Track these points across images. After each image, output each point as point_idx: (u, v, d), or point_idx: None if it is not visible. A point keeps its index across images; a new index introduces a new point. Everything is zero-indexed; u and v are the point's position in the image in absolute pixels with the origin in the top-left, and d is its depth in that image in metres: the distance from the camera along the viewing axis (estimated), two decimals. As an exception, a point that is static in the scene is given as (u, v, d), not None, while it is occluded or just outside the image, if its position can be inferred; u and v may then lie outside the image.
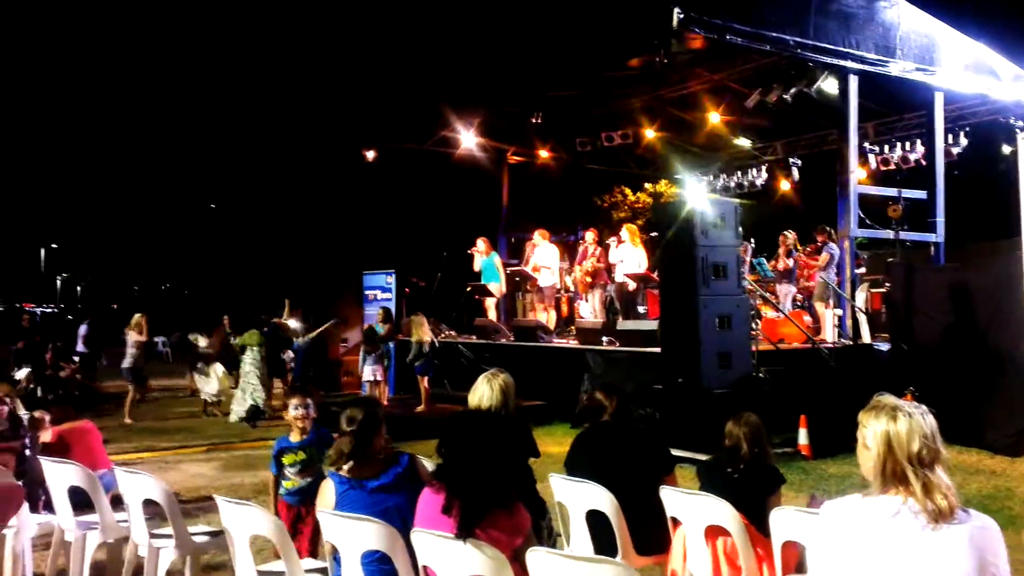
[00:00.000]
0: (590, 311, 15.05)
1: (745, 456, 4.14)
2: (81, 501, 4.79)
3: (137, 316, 13.65)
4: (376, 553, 3.47)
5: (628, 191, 31.48)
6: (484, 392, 4.65)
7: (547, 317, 14.76)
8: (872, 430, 2.43)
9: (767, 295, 12.38)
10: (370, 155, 16.64)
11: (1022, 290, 9.20)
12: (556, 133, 17.42)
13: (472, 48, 13.80)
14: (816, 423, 9.44)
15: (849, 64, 11.33)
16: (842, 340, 11.53)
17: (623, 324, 12.06)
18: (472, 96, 15.15)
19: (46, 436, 6.55)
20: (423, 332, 12.59)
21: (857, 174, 11.83)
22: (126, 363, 13.57)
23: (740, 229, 9.30)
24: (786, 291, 13.17)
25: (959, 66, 12.27)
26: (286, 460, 4.86)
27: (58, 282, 54.61)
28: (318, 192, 18.34)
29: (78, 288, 56.63)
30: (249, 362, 13.34)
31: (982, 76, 12.56)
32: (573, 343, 13.30)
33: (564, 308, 16.36)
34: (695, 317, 9.00)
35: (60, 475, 4.68)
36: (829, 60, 11.14)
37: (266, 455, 10.40)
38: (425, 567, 3.30)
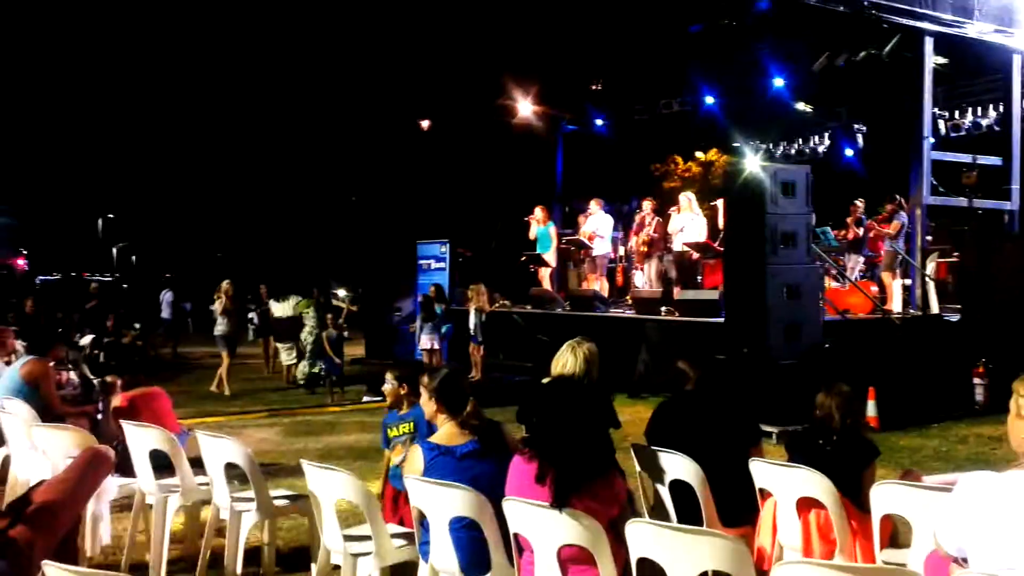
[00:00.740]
0: (644, 281, 14.87)
1: (837, 427, 4.00)
2: (158, 464, 4.83)
3: (225, 284, 13.44)
4: (464, 519, 3.42)
5: (680, 160, 31.03)
6: (568, 360, 4.57)
7: (599, 287, 14.61)
8: None
9: (835, 264, 12.06)
10: (425, 124, 16.58)
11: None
12: (612, 101, 17.14)
13: (531, 13, 13.53)
14: (885, 395, 9.20)
15: (925, 25, 10.90)
16: (910, 310, 11.20)
17: (682, 294, 11.89)
18: (530, 63, 14.94)
19: (116, 401, 6.65)
20: (481, 301, 12.56)
21: (930, 140, 11.40)
22: (218, 330, 13.28)
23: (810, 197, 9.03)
24: (854, 261, 12.84)
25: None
26: (391, 433, 4.76)
27: (114, 251, 55.84)
28: (372, 162, 18.29)
29: (132, 257, 57.77)
30: (307, 330, 13.45)
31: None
32: (629, 313, 13.15)
33: (618, 278, 16.20)
34: (763, 286, 8.81)
35: (141, 438, 4.73)
36: (904, 21, 10.72)
37: (325, 422, 10.62)
38: (517, 535, 3.25)
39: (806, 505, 3.77)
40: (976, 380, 9.94)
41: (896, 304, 12.06)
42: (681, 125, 18.71)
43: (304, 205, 35.75)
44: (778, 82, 15.40)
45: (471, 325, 12.61)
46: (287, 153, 36.62)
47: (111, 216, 51.98)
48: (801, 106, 17.44)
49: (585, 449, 3.16)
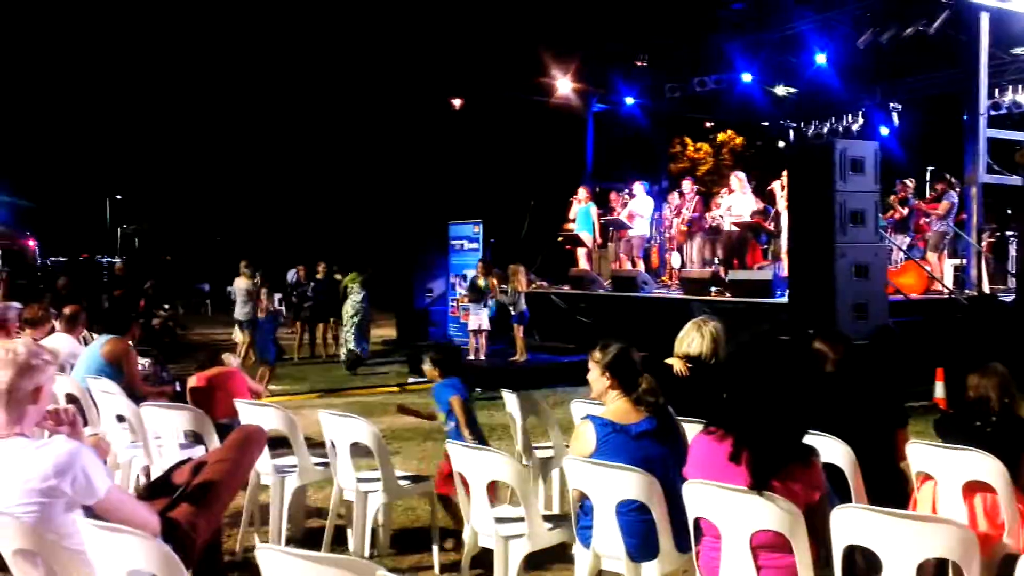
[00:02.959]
0: (679, 262, 14.75)
1: (995, 408, 3.90)
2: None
3: (243, 264, 13.34)
4: (633, 503, 3.32)
5: (689, 141, 30.82)
6: (695, 339, 4.47)
7: (635, 268, 14.48)
8: None
9: (893, 242, 11.93)
10: (456, 103, 16.39)
11: None
12: (646, 78, 16.92)
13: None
14: (952, 376, 9.10)
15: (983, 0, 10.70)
16: (965, 291, 11.08)
17: (734, 274, 11.76)
18: (564, 40, 14.76)
19: (193, 381, 6.55)
20: (520, 282, 12.42)
21: (986, 117, 11.24)
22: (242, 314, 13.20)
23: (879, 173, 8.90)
24: (900, 241, 12.70)
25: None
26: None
27: (119, 233, 55.60)
28: (403, 141, 18.10)
29: (136, 240, 57.48)
30: (350, 306, 13.22)
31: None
32: (675, 293, 13.04)
33: (653, 258, 16.07)
34: (830, 265, 8.69)
35: (260, 418, 4.62)
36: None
37: (376, 402, 10.52)
38: (699, 519, 3.13)
39: (971, 488, 3.67)
40: (1039, 360, 9.86)
41: (947, 285, 11.96)
42: (712, 104, 18.54)
43: (334, 184, 35.30)
44: (814, 59, 15.19)
45: (510, 305, 12.46)
46: (305, 134, 36.25)
47: (119, 198, 51.71)
48: (780, 90, 17.14)
49: (787, 427, 3.03)
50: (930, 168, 13.42)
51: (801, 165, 9.04)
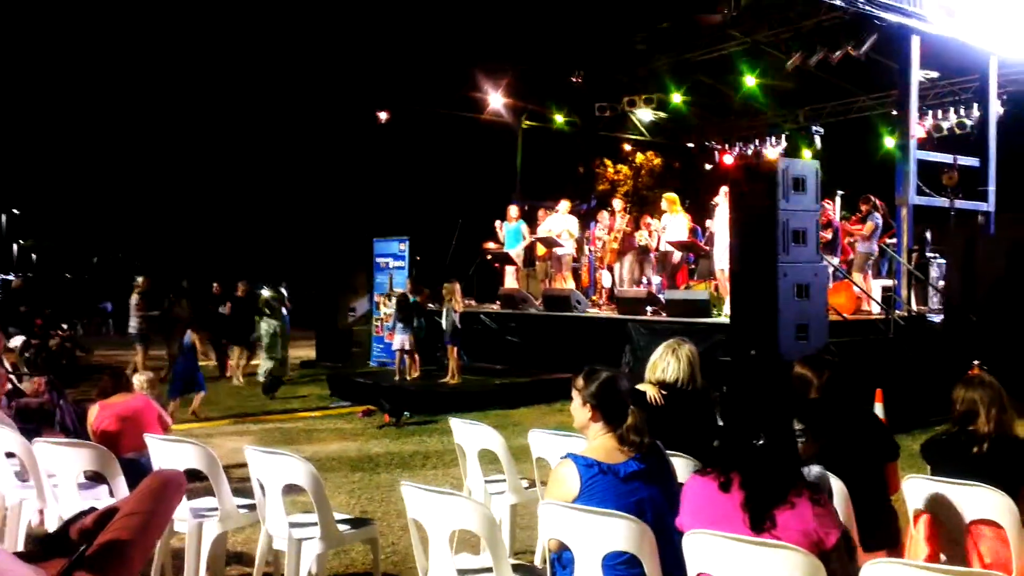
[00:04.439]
0: (610, 281, 14.56)
1: (988, 430, 3.58)
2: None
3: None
4: (622, 555, 2.88)
5: (609, 163, 30.96)
6: (670, 364, 4.09)
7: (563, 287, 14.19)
8: None
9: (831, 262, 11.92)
10: (383, 116, 15.86)
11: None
12: (573, 98, 16.76)
13: (496, 5, 13.04)
14: (889, 397, 9.04)
15: (913, 23, 10.84)
16: (896, 311, 11.14)
17: (670, 293, 11.55)
18: (494, 56, 14.43)
19: (95, 410, 5.86)
20: (456, 301, 11.93)
21: (915, 140, 11.37)
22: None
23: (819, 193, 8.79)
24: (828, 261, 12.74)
25: (1016, 31, 11.87)
26: None
27: (15, 249, 52.65)
28: (327, 153, 17.44)
29: (33, 256, 54.56)
30: (263, 327, 12.52)
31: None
32: (608, 312, 12.77)
33: (583, 278, 15.83)
34: (773, 285, 8.49)
35: (175, 456, 4.01)
36: (895, 19, 10.63)
37: (297, 429, 9.84)
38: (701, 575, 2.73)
39: (977, 526, 3.38)
40: (971, 381, 9.92)
41: (873, 306, 12.03)
42: (639, 125, 18.53)
43: (233, 199, 33.98)
44: (744, 82, 15.31)
45: (445, 325, 11.97)
46: (219, 144, 34.77)
47: (15, 211, 48.92)
48: (759, 108, 17.37)
49: (785, 461, 2.68)
50: (840, 192, 13.54)
51: (744, 183, 8.86)
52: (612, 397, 3.02)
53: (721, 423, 2.85)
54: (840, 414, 3.86)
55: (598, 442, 3.02)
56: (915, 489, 3.51)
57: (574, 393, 3.09)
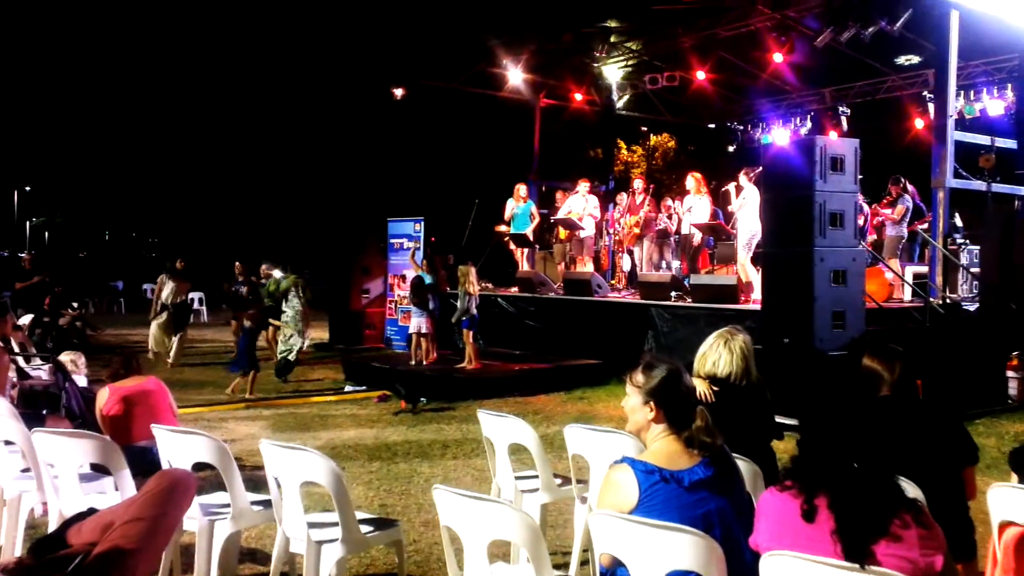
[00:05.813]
0: (630, 264, 14.19)
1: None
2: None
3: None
4: (687, 574, 2.55)
5: (622, 144, 30.47)
6: (722, 357, 3.72)
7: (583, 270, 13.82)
8: None
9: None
10: (398, 93, 15.47)
11: None
12: (593, 75, 16.32)
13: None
14: (926, 388, 8.67)
15: (953, -1, 10.38)
16: (931, 299, 10.73)
17: (696, 278, 11.18)
18: (512, 29, 14.02)
19: (104, 397, 5.58)
20: (472, 283, 11.59)
21: (953, 120, 10.91)
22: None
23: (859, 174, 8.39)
24: (859, 246, 12.33)
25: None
26: None
27: (27, 226, 52.52)
28: (341, 132, 17.05)
29: (46, 233, 54.47)
30: (289, 312, 12.14)
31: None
32: (629, 297, 12.41)
33: (603, 260, 15.48)
34: (809, 271, 8.11)
35: (184, 448, 3.71)
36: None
37: (311, 414, 9.53)
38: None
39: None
40: (1010, 373, 9.55)
41: (906, 292, 11.63)
42: (659, 104, 18.07)
43: (248, 180, 33.63)
44: (776, 58, 14.79)
45: (459, 308, 11.62)
46: (234, 124, 34.40)
47: (28, 189, 48.78)
48: (786, 87, 16.90)
49: (881, 476, 2.34)
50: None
51: (778, 163, 8.46)
52: (678, 394, 2.67)
53: (800, 436, 2.49)
54: (916, 413, 3.51)
55: (659, 445, 2.67)
56: (1004, 499, 3.17)
57: (630, 389, 2.73)
